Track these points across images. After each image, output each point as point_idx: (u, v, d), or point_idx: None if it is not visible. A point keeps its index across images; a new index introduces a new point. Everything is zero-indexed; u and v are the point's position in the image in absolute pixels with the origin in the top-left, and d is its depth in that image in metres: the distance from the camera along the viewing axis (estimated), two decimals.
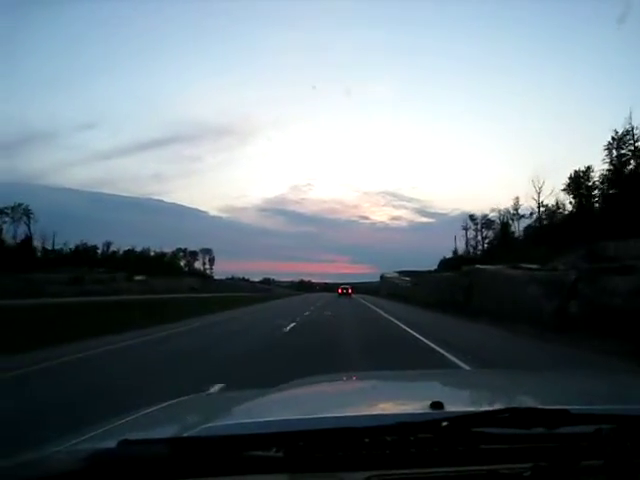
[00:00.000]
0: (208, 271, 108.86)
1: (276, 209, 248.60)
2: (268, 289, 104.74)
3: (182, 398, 1.59)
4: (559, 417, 0.87)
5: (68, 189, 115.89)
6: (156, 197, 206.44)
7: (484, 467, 0.83)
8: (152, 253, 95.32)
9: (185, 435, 0.94)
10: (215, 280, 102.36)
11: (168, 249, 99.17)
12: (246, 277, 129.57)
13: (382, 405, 1.32)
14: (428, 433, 0.86)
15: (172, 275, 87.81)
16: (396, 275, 62.40)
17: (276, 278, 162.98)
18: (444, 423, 0.85)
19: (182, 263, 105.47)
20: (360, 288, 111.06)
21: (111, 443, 0.86)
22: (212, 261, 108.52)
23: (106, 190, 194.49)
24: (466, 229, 61.90)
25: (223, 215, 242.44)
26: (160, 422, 1.30)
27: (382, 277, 75.43)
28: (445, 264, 58.97)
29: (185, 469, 0.81)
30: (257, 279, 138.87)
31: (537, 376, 2.05)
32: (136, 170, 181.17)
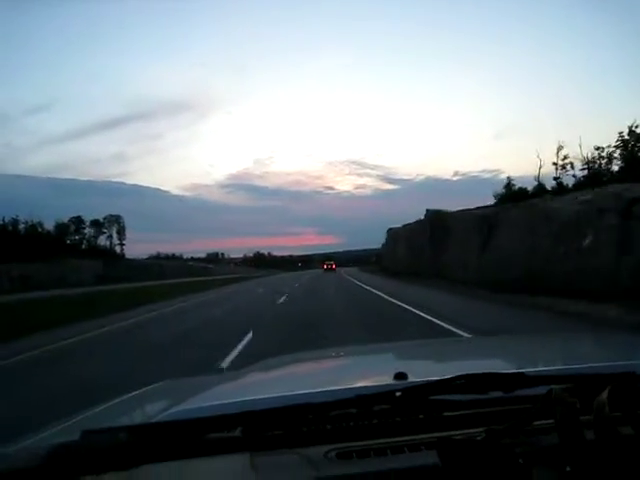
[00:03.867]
0: (118, 248, 76.29)
1: (239, 184, 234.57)
2: (207, 269, 73.61)
3: (152, 385, 1.55)
4: (514, 380, 0.89)
5: (20, 176, 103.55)
6: (117, 179, 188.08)
7: (439, 434, 0.83)
8: (22, 226, 62.15)
9: (150, 422, 0.93)
10: (125, 260, 70.24)
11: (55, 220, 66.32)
12: (194, 256, 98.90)
13: (346, 380, 1.26)
14: (386, 404, 0.88)
15: (51, 258, 55.88)
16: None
17: (232, 255, 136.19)
18: (397, 393, 0.87)
19: (77, 238, 72.60)
20: (336, 260, 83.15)
21: (75, 436, 0.85)
22: (122, 233, 75.84)
23: (63, 175, 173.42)
24: None
25: (186, 194, 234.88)
26: (128, 411, 1.29)
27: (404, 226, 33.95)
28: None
29: (146, 455, 0.82)
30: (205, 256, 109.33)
31: (502, 341, 2.09)
32: (95, 152, 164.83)
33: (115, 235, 75.84)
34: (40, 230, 63.83)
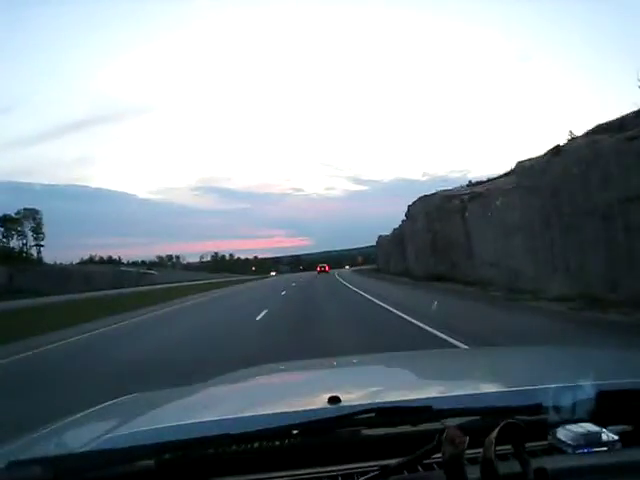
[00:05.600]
0: (34, 250, 61.12)
1: (208, 187, 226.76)
2: (145, 276, 59.56)
3: (119, 399, 1.51)
4: (422, 413, 0.91)
5: None
6: (81, 183, 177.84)
7: (340, 467, 0.85)
8: None
9: (77, 451, 0.93)
10: (42, 266, 55.51)
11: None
12: (147, 260, 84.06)
13: (278, 403, 1.25)
14: (290, 439, 0.89)
15: None
16: None
17: (190, 259, 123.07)
18: (294, 431, 0.88)
19: None
20: (307, 263, 70.59)
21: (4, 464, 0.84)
22: (39, 231, 60.66)
23: (24, 179, 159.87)
24: None
25: (154, 197, 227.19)
26: (75, 433, 1.22)
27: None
28: None
29: None
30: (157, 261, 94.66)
31: (436, 358, 2.04)
32: (58, 155, 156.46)
33: (30, 235, 60.72)
34: None
